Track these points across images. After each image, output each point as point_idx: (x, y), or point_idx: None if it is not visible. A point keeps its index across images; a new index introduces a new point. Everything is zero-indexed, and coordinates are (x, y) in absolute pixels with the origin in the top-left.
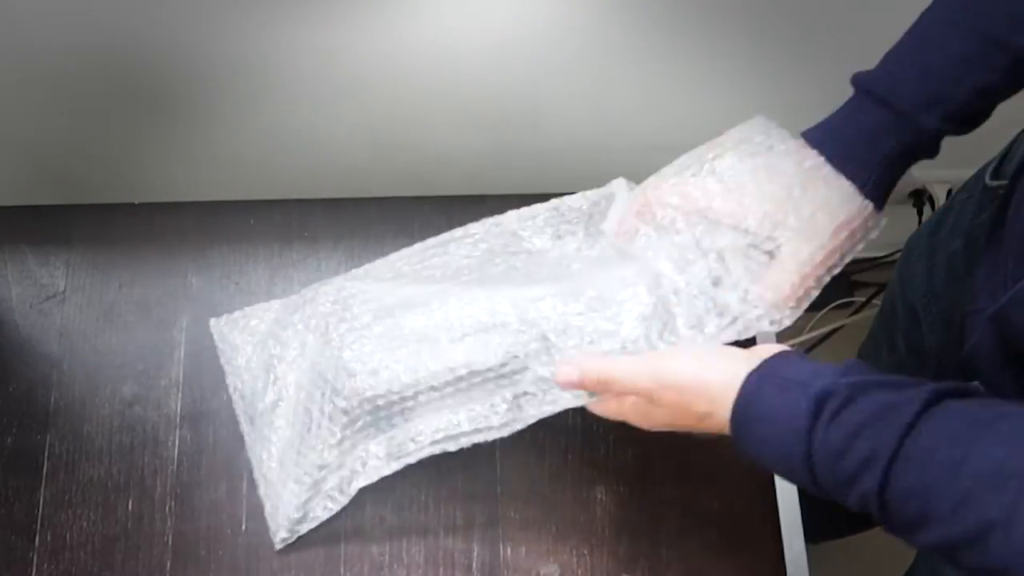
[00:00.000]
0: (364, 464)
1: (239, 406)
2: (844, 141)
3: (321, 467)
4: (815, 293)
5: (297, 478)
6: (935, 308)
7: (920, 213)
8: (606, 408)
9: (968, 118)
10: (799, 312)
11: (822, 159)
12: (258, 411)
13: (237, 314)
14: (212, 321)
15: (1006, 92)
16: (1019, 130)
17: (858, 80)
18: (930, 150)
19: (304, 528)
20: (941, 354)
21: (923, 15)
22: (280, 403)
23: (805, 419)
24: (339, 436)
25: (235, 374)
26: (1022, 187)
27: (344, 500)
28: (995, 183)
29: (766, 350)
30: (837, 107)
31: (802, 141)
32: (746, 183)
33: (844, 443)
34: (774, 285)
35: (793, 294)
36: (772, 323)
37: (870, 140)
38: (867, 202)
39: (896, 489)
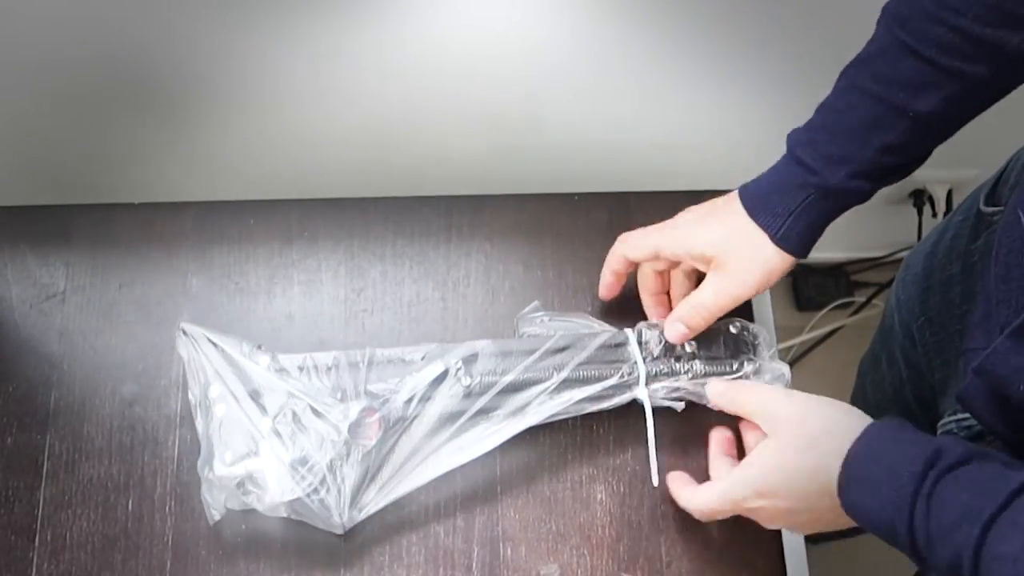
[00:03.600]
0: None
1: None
2: (762, 194)
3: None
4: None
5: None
6: (929, 332)
7: (920, 213)
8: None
9: (884, 173)
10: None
11: (740, 206)
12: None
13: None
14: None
15: (915, 152)
16: (1007, 153)
17: (789, 140)
18: (856, 200)
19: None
20: (940, 381)
21: (841, 76)
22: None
23: (921, 464)
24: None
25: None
26: (1001, 227)
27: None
28: (989, 209)
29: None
30: None
31: (735, 197)
32: (693, 228)
33: (952, 495)
34: (698, 302)
35: (709, 311)
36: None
37: (783, 194)
38: (776, 249)
39: (994, 549)
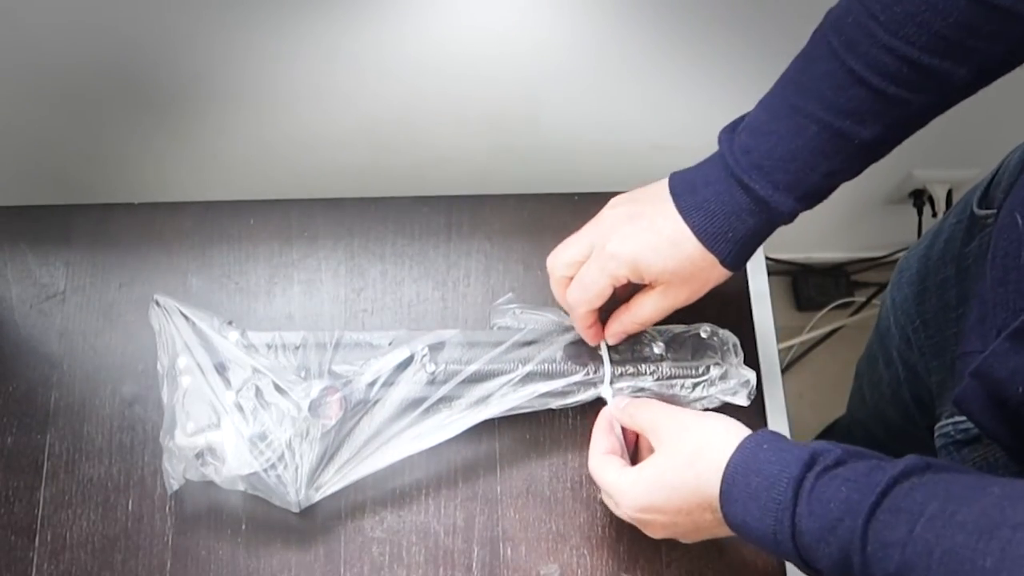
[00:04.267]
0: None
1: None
2: (708, 216)
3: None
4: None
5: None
6: (925, 335)
7: (920, 213)
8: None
9: (819, 196)
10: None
11: (691, 233)
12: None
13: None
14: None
15: (855, 172)
16: (1006, 153)
17: (725, 153)
18: (787, 221)
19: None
20: (937, 384)
21: (778, 92)
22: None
23: (798, 468)
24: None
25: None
26: (997, 230)
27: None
28: (983, 212)
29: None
30: None
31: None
32: (639, 250)
33: (831, 492)
34: (638, 316)
35: (642, 327)
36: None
37: (733, 219)
38: (723, 271)
39: (880, 537)
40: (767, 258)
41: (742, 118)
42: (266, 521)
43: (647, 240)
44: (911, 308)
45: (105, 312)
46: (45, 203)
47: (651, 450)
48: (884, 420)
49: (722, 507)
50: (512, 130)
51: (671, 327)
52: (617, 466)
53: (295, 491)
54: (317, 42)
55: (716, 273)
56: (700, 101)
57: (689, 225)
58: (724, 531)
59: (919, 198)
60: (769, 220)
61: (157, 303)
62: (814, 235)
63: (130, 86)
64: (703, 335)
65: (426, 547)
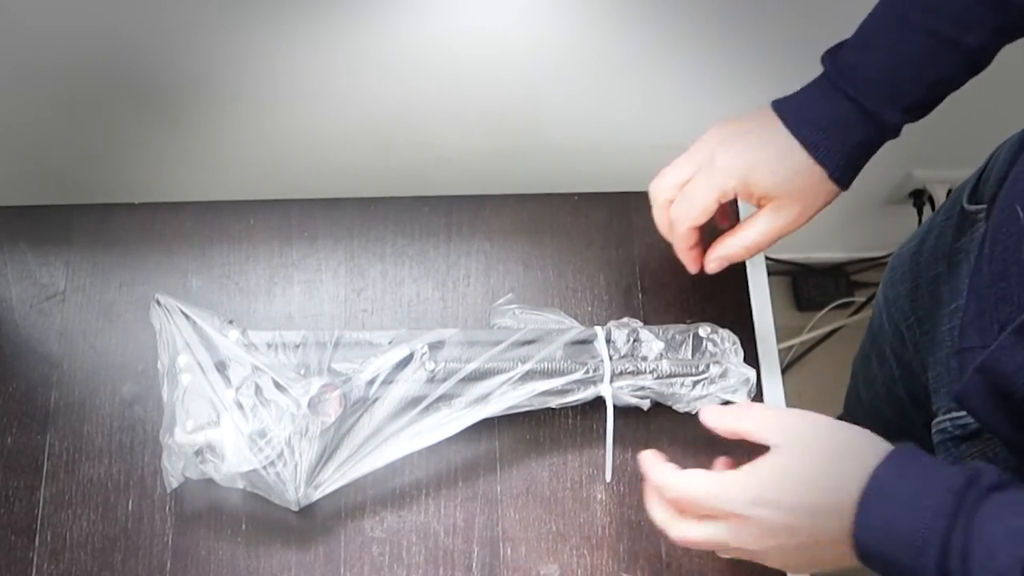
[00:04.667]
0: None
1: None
2: (817, 130)
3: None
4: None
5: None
6: (919, 331)
7: (920, 213)
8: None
9: (925, 107)
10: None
11: (800, 146)
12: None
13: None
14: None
15: (959, 83)
16: (995, 146)
17: (829, 72)
18: (893, 135)
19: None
20: (933, 379)
21: (883, 4)
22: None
23: (960, 482)
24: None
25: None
26: (994, 224)
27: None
28: (973, 207)
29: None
30: None
31: (785, 130)
32: (750, 164)
33: (995, 516)
34: (747, 240)
35: (747, 253)
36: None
37: (841, 132)
38: (834, 188)
39: None
40: (767, 258)
41: (843, 42)
42: (266, 521)
43: (757, 154)
44: (904, 305)
45: (105, 312)
46: (45, 203)
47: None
48: (880, 417)
49: (859, 510)
50: (512, 130)
51: (670, 326)
52: (703, 471)
53: (294, 489)
54: (317, 42)
55: (826, 189)
56: (700, 101)
57: (798, 138)
58: (836, 554)
59: (919, 198)
60: (877, 133)
61: (158, 302)
62: (814, 235)
63: (130, 86)
64: (702, 334)
65: (426, 547)
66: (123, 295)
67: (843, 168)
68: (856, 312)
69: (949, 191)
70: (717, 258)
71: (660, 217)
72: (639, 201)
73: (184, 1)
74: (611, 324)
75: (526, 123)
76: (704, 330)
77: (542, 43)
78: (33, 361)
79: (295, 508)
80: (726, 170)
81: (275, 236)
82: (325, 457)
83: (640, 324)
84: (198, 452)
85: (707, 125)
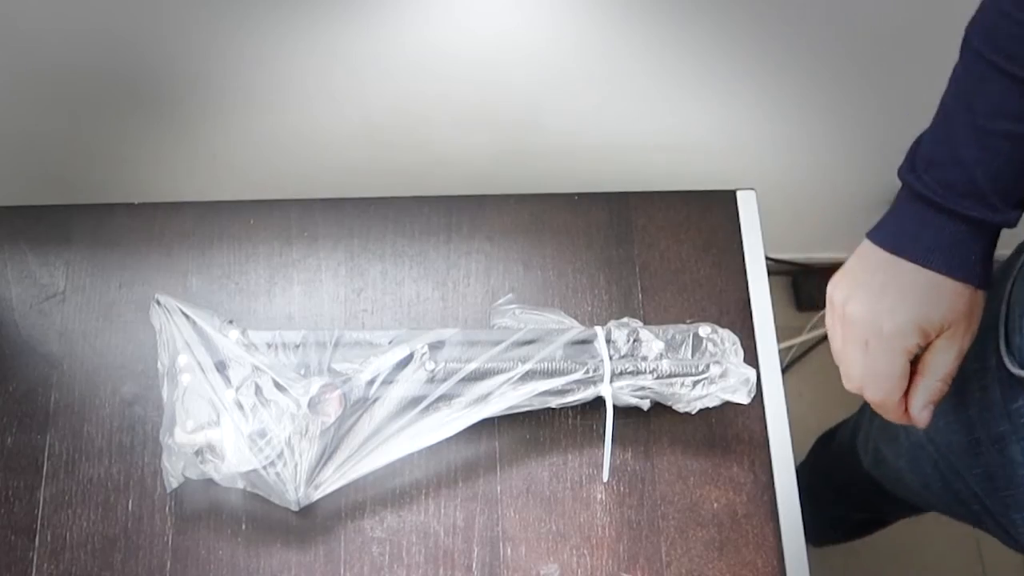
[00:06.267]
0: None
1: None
2: (949, 255)
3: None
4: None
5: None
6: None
7: None
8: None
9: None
10: None
11: (940, 276)
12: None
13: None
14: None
15: None
16: None
17: (928, 198)
18: (1012, 226)
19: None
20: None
21: (947, 110)
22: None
23: None
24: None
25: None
26: None
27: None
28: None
29: None
30: (834, 108)
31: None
32: (917, 311)
33: None
34: (937, 371)
35: (946, 385)
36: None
37: (967, 250)
38: (980, 292)
39: None
40: (767, 258)
41: (913, 154)
42: (266, 521)
43: (912, 302)
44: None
45: (105, 312)
46: (45, 203)
47: None
48: None
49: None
50: (512, 130)
51: (670, 326)
52: None
53: (294, 489)
54: (317, 43)
55: (978, 297)
56: (700, 101)
57: (933, 269)
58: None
59: None
60: (994, 235)
61: (158, 302)
62: (814, 235)
63: (130, 86)
64: (702, 334)
65: (426, 547)
66: (123, 295)
67: (982, 275)
68: None
69: None
70: (924, 406)
71: (890, 410)
72: (639, 201)
73: (184, 2)
74: (611, 324)
75: (526, 123)
76: (704, 330)
77: (543, 44)
78: (33, 361)
79: (295, 508)
80: (901, 329)
81: (275, 236)
82: (325, 457)
83: (640, 324)
84: (198, 452)
85: (702, 125)
